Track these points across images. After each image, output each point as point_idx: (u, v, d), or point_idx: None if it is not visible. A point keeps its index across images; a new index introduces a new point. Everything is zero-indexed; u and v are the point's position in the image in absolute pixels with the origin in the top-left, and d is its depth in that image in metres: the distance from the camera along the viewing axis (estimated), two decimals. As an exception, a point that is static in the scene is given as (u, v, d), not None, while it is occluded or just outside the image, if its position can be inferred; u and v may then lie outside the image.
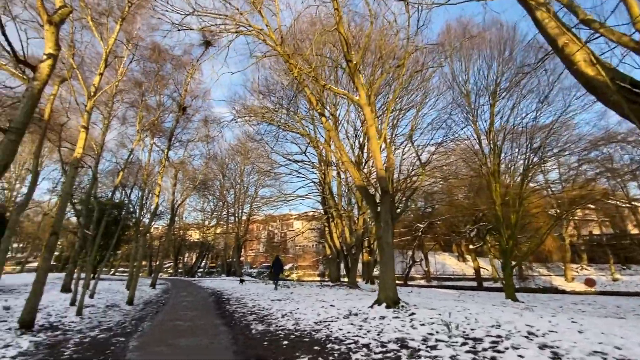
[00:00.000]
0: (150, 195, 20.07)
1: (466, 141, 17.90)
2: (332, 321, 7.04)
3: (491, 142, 16.49)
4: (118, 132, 20.34)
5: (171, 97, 15.90)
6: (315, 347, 5.21)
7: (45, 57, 5.29)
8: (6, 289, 13.52)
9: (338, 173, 21.27)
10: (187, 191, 26.16)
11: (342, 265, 22.93)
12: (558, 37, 4.09)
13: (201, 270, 44.28)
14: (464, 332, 5.29)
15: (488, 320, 5.90)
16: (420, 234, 28.65)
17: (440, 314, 6.58)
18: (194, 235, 47.98)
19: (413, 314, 6.79)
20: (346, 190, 21.97)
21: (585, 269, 28.92)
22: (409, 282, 32.24)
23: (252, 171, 36.94)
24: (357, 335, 5.73)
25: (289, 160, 21.55)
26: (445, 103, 17.84)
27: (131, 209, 21.01)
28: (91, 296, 11.77)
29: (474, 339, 4.86)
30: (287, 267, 48.61)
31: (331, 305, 8.88)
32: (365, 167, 18.43)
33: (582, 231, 32.82)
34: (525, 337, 4.73)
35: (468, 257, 45.85)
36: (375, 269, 23.93)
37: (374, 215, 7.84)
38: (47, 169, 30.04)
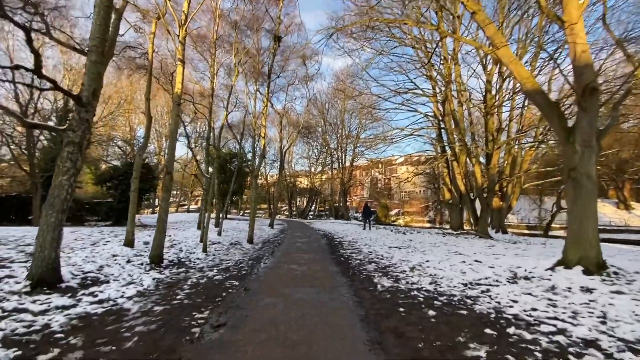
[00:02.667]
0: (259, 139, 20.80)
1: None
2: (491, 285, 4.98)
3: None
4: (225, 81, 21.06)
5: (268, 31, 14.77)
6: (488, 331, 3.32)
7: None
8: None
9: (459, 102, 17.24)
10: (292, 137, 26.52)
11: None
12: None
13: (312, 213, 47.36)
14: None
15: None
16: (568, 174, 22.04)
17: None
18: (304, 182, 51.07)
19: (649, 289, 4.08)
20: (469, 124, 17.91)
21: None
22: (550, 233, 26.56)
23: (353, 112, 34.97)
24: (555, 318, 3.57)
25: (395, 92, 18.57)
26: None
27: (244, 155, 22.36)
28: (219, 234, 12.73)
29: None
30: (392, 212, 47.47)
31: (476, 261, 6.73)
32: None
33: None
34: None
35: (633, 204, 36.11)
36: (507, 218, 19.96)
37: (562, 135, 4.94)
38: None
